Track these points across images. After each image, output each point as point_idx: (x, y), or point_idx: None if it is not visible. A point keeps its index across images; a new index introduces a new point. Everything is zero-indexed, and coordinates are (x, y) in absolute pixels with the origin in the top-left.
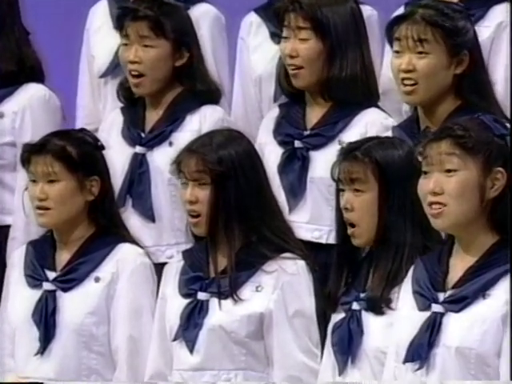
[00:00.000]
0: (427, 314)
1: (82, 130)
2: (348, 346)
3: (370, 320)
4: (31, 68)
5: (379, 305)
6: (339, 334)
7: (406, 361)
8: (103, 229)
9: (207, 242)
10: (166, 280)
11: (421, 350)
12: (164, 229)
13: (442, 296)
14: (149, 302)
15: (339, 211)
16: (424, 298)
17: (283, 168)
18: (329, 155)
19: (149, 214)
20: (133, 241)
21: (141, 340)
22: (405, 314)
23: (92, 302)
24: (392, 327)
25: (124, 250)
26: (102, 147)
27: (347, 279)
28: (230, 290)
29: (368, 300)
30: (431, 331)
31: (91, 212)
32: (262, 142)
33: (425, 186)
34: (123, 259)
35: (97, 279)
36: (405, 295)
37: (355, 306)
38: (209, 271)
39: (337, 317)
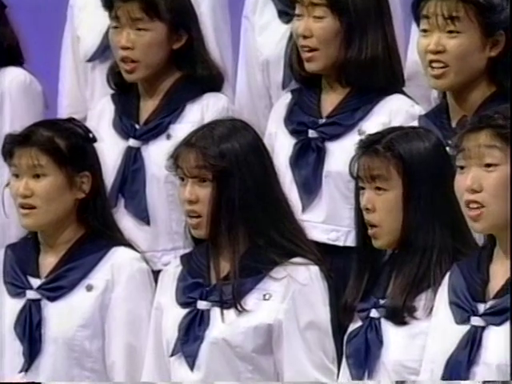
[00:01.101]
0: (466, 327)
1: (72, 119)
2: (365, 357)
3: (390, 330)
4: (9, 49)
5: (401, 313)
6: (355, 344)
7: (443, 379)
8: (94, 230)
9: (208, 246)
10: (161, 288)
11: (459, 368)
12: (160, 232)
13: (482, 307)
14: (147, 312)
15: (359, 211)
16: (462, 310)
17: (296, 161)
18: (347, 146)
19: (143, 216)
20: (128, 244)
21: (140, 354)
22: (440, 327)
23: (84, 313)
24: (415, 339)
25: (119, 255)
26: (94, 139)
27: (367, 286)
28: (233, 299)
29: (388, 307)
30: (471, 348)
31: (81, 212)
32: (272, 132)
33: (461, 182)
34: (118, 264)
35: (89, 287)
36: (440, 305)
37: (374, 313)
38: (210, 277)
39: (353, 326)
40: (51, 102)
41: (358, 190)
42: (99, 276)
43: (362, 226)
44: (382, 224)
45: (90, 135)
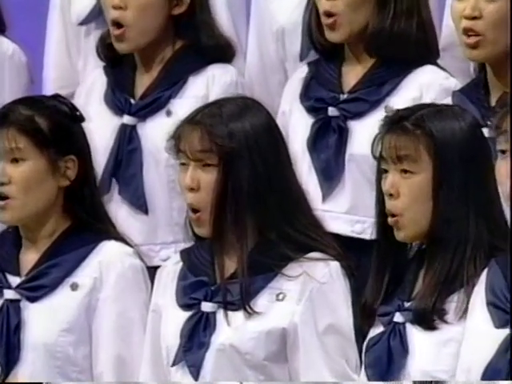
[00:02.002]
0: (506, 331)
1: (56, 96)
2: (387, 368)
3: (416, 336)
4: None
5: (430, 317)
6: (375, 352)
7: None
8: (82, 223)
9: (212, 240)
10: (159, 287)
11: (499, 377)
12: (159, 223)
13: None
14: (141, 315)
15: (381, 198)
16: (501, 312)
17: (314, 143)
18: (372, 125)
19: (140, 204)
20: (120, 237)
21: (131, 363)
22: (476, 332)
23: (68, 316)
24: (445, 346)
25: (109, 249)
26: (81, 118)
27: (389, 285)
28: (242, 300)
29: (415, 310)
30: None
31: (66, 201)
32: (287, 109)
33: (503, 168)
34: (108, 261)
35: (74, 286)
36: (476, 307)
37: (398, 317)
38: (215, 275)
39: (373, 331)
40: (37, 76)
41: (381, 174)
42: (86, 273)
43: (383, 214)
44: (405, 212)
45: (77, 113)
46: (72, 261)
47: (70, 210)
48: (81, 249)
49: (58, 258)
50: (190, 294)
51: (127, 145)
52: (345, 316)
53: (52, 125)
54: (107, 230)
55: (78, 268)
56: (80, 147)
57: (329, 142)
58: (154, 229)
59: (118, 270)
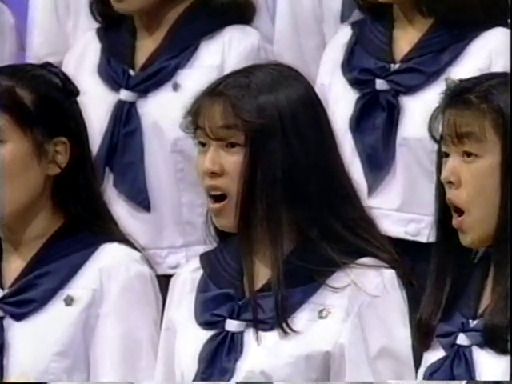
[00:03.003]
0: None
1: (46, 64)
2: None
3: (486, 362)
4: None
5: (503, 338)
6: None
7: None
8: (77, 221)
9: (239, 241)
10: (173, 300)
11: None
12: (165, 222)
13: None
14: (150, 334)
15: (441, 189)
16: None
17: (358, 123)
18: (430, 102)
19: (141, 199)
20: (124, 239)
21: None
22: None
23: (61, 337)
24: None
25: (111, 254)
26: (75, 91)
27: (449, 298)
28: (277, 317)
29: (485, 330)
30: None
31: (57, 194)
32: (325, 82)
33: None
34: (110, 268)
35: (68, 300)
36: None
37: (462, 339)
38: (243, 286)
39: (432, 356)
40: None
41: (441, 158)
42: (83, 284)
43: (443, 211)
44: (470, 208)
45: (70, 86)
46: (66, 269)
47: (61, 206)
48: (76, 253)
49: (48, 266)
50: (211, 309)
51: (124, 126)
52: (401, 336)
53: (38, 99)
54: (109, 230)
55: (74, 278)
56: (73, 127)
57: (376, 122)
58: (159, 229)
59: (122, 280)
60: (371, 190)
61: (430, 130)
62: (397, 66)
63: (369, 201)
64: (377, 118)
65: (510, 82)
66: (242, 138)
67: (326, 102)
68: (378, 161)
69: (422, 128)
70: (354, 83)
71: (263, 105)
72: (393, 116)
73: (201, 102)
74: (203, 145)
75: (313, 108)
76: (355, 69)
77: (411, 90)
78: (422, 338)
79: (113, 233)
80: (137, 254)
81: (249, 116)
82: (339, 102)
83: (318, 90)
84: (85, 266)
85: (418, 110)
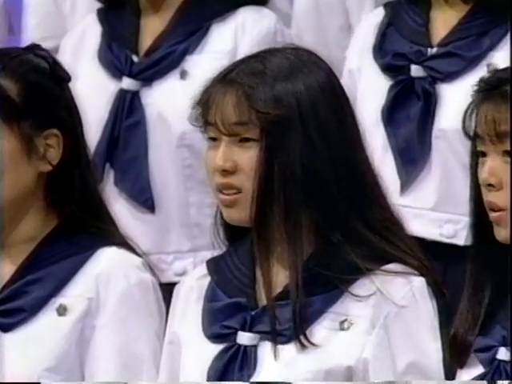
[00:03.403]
0: None
1: (34, 47)
2: None
3: None
4: None
5: None
6: None
7: None
8: (72, 222)
9: (252, 243)
10: (177, 310)
11: None
12: (171, 224)
13: None
14: (152, 348)
15: (477, 189)
16: None
17: (391, 113)
18: (470, 91)
19: (144, 199)
20: (124, 243)
21: None
22: None
23: (53, 350)
24: None
25: (109, 259)
26: (67, 77)
27: (488, 309)
28: (294, 328)
29: None
30: None
31: (50, 193)
32: (353, 68)
33: None
34: (108, 275)
35: (61, 309)
36: None
37: (503, 354)
38: (256, 295)
39: (468, 373)
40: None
41: (477, 157)
42: (77, 292)
43: (480, 212)
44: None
45: (60, 72)
46: (58, 275)
47: (55, 206)
48: (71, 258)
49: (39, 272)
50: (221, 320)
51: (127, 117)
52: (431, 351)
53: (24, 88)
54: (107, 233)
55: (67, 285)
56: (65, 117)
57: (411, 112)
58: (165, 232)
59: (121, 288)
60: (404, 187)
61: (464, 126)
62: (434, 50)
63: (401, 199)
64: (411, 107)
65: (510, 82)
66: (257, 131)
67: (353, 90)
68: (413, 155)
69: (461, 119)
70: (387, 69)
71: (280, 94)
72: (429, 105)
73: (211, 92)
74: (214, 139)
75: (335, 97)
76: (388, 53)
77: (449, 76)
78: (457, 355)
79: (112, 236)
80: (138, 260)
81: (264, 107)
82: (369, 90)
83: (345, 76)
84: (80, 272)
85: (457, 99)
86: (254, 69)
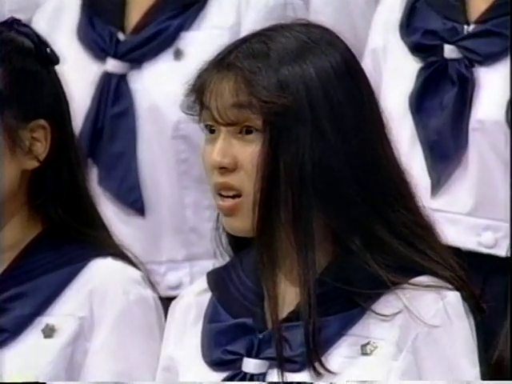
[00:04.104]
0: None
1: (12, 22)
2: None
3: None
4: None
5: None
6: None
7: None
8: (60, 228)
9: (258, 254)
10: (173, 333)
11: None
12: (164, 228)
13: None
14: (153, 375)
15: None
16: None
17: (421, 101)
18: None
19: (133, 199)
20: (121, 253)
21: None
22: None
23: (39, 376)
24: None
25: (104, 273)
26: (54, 59)
27: None
28: (307, 353)
29: None
30: None
31: (34, 194)
32: (378, 46)
33: None
34: (103, 290)
35: (47, 330)
36: None
37: None
38: (264, 315)
39: None
40: None
41: None
42: (67, 310)
43: None
44: None
45: (47, 51)
46: (45, 290)
47: (38, 208)
48: (58, 271)
49: (22, 286)
50: (224, 344)
51: (113, 105)
52: (469, 378)
53: (8, 72)
54: (100, 241)
55: (55, 301)
56: (53, 105)
57: (444, 99)
58: (156, 238)
59: (118, 306)
60: (436, 187)
61: (508, 116)
62: (471, 27)
63: (432, 202)
64: (444, 94)
65: (510, 81)
66: (260, 121)
67: (377, 72)
68: (446, 150)
69: (502, 108)
70: (416, 49)
71: (286, 79)
72: (465, 92)
73: (205, 78)
74: (211, 131)
75: (352, 81)
76: (417, 31)
77: (489, 58)
78: (500, 379)
79: (106, 244)
80: (137, 273)
81: (267, 95)
82: (396, 73)
83: (367, 57)
84: (70, 286)
85: (498, 85)
86: (255, 50)
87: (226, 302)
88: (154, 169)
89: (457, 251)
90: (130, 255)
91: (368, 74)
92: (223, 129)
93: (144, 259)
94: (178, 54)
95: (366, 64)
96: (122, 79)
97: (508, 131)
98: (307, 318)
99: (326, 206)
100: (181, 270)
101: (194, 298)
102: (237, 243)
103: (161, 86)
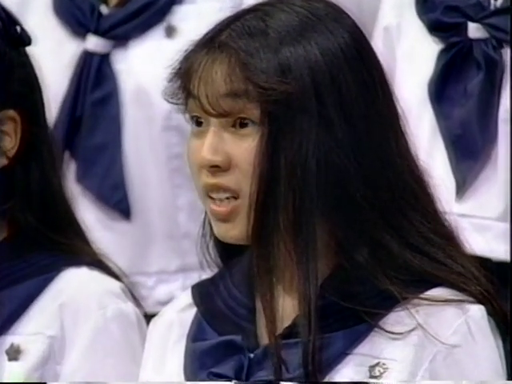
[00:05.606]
0: None
1: None
2: None
3: None
4: None
5: None
6: None
7: None
8: (29, 233)
9: (254, 264)
10: (152, 353)
11: None
12: (153, 234)
13: None
14: None
15: None
16: None
17: (442, 88)
18: None
19: (117, 199)
20: (98, 262)
21: None
22: None
23: None
24: None
25: (77, 285)
26: (26, 39)
27: None
28: (306, 375)
29: None
30: None
31: (1, 196)
32: (392, 24)
33: None
34: (76, 305)
35: (12, 352)
36: None
37: None
38: (256, 331)
39: None
40: None
41: None
42: (34, 328)
43: None
44: None
45: (17, 30)
46: (9, 305)
47: (4, 212)
48: (26, 282)
49: None
50: (209, 366)
51: (94, 89)
52: None
53: None
54: (74, 248)
55: (21, 318)
56: (25, 93)
57: (468, 86)
58: (144, 246)
59: (94, 323)
60: (461, 189)
61: None
62: (498, 2)
63: (456, 206)
64: (470, 80)
65: (510, 80)
66: (257, 112)
67: (391, 55)
68: (472, 145)
69: None
70: (436, 28)
71: (287, 62)
72: (493, 77)
73: (193, 60)
74: (199, 123)
75: (363, 66)
76: (437, 7)
77: None
78: None
79: (80, 252)
80: (116, 285)
81: (266, 80)
82: (413, 56)
83: (378, 37)
84: (38, 300)
85: None
86: (252, 28)
87: (212, 318)
88: (141, 164)
89: (485, 261)
90: (110, 265)
91: (379, 57)
92: (214, 121)
93: (130, 270)
94: (170, 31)
95: (377, 45)
96: (104, 59)
97: None
98: (306, 335)
99: (329, 211)
100: (172, 282)
101: (176, 315)
102: (227, 252)
103: (149, 68)
